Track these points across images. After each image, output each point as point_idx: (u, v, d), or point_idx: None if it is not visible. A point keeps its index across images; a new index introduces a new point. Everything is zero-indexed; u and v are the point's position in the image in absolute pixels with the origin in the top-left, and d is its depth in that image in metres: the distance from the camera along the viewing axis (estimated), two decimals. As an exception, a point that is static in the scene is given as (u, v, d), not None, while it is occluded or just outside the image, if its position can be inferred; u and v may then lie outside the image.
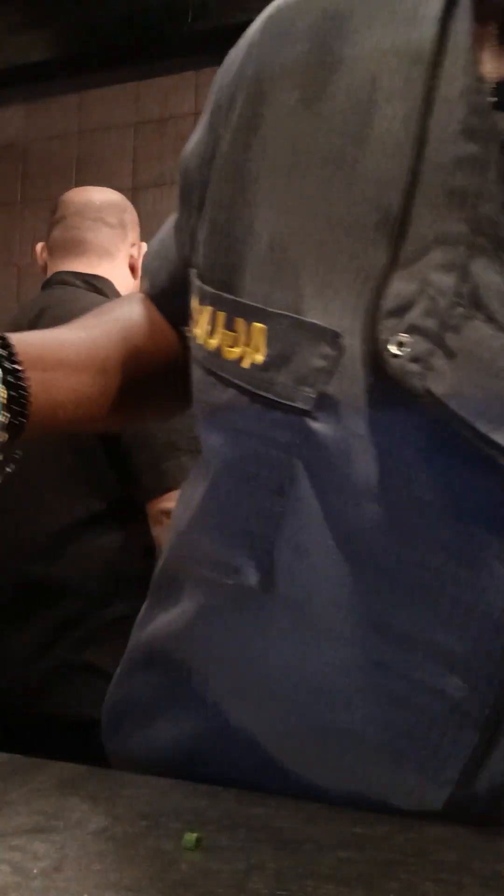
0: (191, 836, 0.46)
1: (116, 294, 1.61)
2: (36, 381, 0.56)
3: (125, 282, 1.67)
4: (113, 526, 1.51)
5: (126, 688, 0.67)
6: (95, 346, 0.64)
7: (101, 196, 1.69)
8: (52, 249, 1.67)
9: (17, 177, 3.04)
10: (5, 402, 0.53)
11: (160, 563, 0.67)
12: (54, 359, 0.59)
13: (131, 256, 1.69)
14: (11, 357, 0.54)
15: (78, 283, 1.59)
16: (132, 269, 1.69)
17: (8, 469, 0.54)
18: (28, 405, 0.55)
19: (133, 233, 1.69)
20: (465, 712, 0.49)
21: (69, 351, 0.62)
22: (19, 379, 0.54)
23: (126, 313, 0.71)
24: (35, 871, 0.43)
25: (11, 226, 2.98)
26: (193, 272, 0.59)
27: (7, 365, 0.53)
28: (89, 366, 0.62)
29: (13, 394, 0.53)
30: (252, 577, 0.53)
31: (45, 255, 1.70)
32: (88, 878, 0.43)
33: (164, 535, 1.46)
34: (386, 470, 0.48)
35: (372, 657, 0.51)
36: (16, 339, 0.56)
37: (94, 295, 1.57)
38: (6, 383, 0.53)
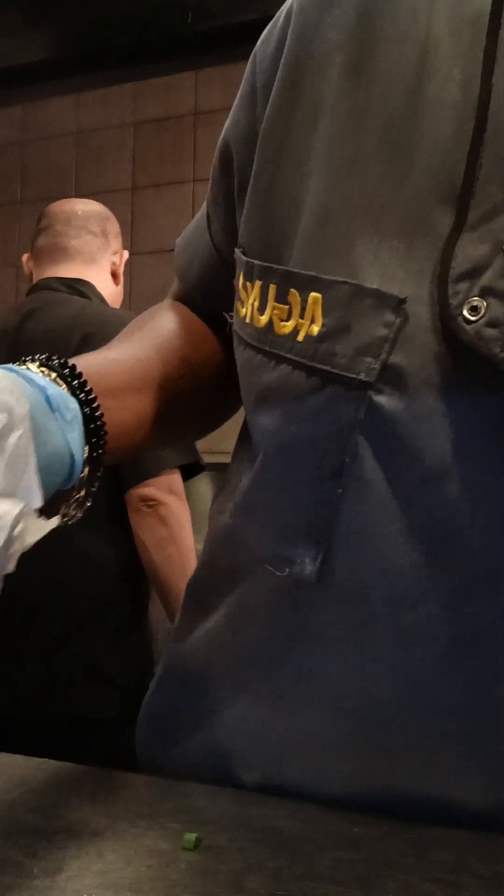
0: (190, 836, 0.47)
1: (99, 296, 1.67)
2: (106, 410, 0.52)
3: (108, 287, 1.73)
4: (118, 526, 1.52)
5: (166, 700, 0.65)
6: (149, 363, 0.61)
7: (84, 206, 1.76)
8: (37, 258, 1.74)
9: (17, 177, 3.05)
10: (84, 437, 0.49)
11: (197, 567, 0.65)
12: (118, 384, 0.57)
13: (113, 263, 1.75)
14: (85, 389, 0.51)
15: (61, 287, 1.64)
16: (114, 275, 1.76)
17: (88, 503, 0.51)
18: (105, 436, 0.51)
19: (115, 242, 1.76)
20: None
21: (127, 373, 0.59)
22: (94, 411, 0.51)
23: (163, 324, 0.68)
24: (35, 870, 0.44)
25: (11, 226, 2.99)
26: (238, 251, 0.57)
27: (82, 397, 0.50)
28: (149, 385, 0.60)
29: (91, 426, 0.50)
30: (308, 567, 0.50)
31: (30, 264, 1.77)
32: (88, 877, 0.43)
33: (140, 521, 1.48)
34: (460, 447, 0.45)
35: (447, 659, 0.48)
36: (82, 367, 0.52)
37: (76, 298, 1.62)
38: (84, 417, 0.50)
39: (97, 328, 1.48)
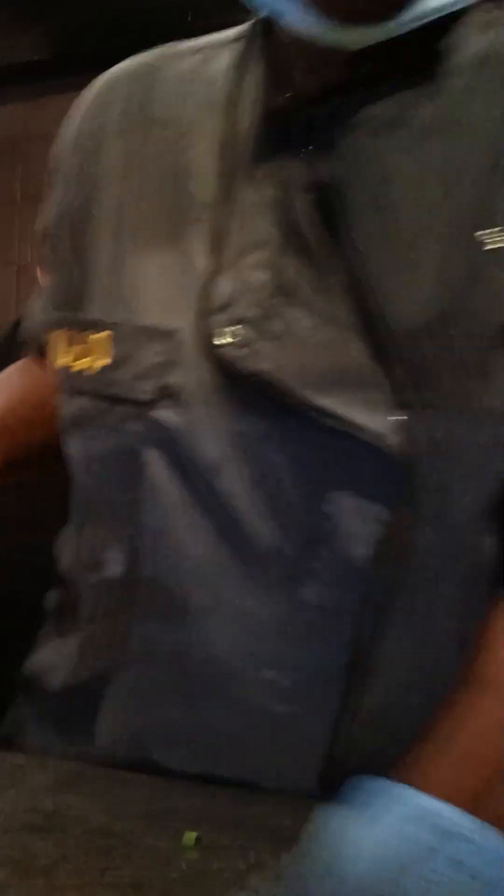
0: (190, 835, 0.47)
1: None
2: None
3: None
4: None
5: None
6: (23, 407, 0.74)
7: None
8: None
9: (17, 176, 3.05)
10: None
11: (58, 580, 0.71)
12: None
13: None
14: None
15: None
16: None
17: None
18: None
19: None
20: (337, 630, 0.54)
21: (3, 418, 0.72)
22: None
23: (22, 379, 0.78)
24: (35, 870, 0.44)
25: (11, 225, 2.99)
26: (50, 307, 0.68)
27: None
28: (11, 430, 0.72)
29: None
30: (117, 568, 0.59)
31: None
32: (88, 876, 0.43)
33: None
34: (231, 448, 0.54)
35: (269, 642, 0.55)
36: None
37: None
38: None
39: None
